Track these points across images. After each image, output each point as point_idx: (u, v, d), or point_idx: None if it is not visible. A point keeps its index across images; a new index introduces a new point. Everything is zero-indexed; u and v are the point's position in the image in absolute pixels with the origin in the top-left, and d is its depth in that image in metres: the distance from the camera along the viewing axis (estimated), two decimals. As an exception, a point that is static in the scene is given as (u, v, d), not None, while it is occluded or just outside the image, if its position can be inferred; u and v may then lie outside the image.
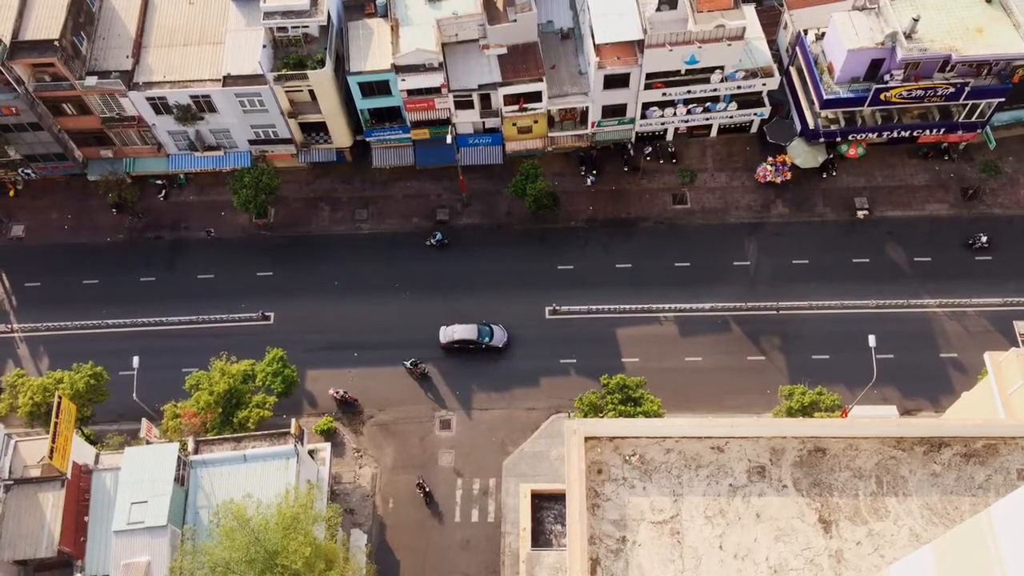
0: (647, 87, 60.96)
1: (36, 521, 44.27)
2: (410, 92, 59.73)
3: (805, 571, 14.52)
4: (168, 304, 61.95)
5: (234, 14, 60.79)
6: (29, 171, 66.38)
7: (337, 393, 57.50)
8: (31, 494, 44.95)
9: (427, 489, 54.83)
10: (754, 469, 15.38)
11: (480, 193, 66.17)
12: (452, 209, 65.89)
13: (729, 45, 58.05)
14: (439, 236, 64.00)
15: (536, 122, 63.69)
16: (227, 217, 65.96)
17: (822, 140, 63.92)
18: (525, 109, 61.59)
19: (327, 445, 53.41)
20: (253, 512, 40.24)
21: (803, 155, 64.44)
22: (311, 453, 50.45)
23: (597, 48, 58.59)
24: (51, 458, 43.63)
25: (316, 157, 66.13)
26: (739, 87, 61.92)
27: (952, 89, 59.12)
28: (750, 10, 61.72)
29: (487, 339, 59.08)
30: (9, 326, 61.99)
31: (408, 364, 58.91)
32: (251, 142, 64.55)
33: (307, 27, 58.69)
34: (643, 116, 63.77)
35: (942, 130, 63.89)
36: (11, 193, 67.42)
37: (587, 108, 62.60)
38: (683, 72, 60.16)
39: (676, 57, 58.57)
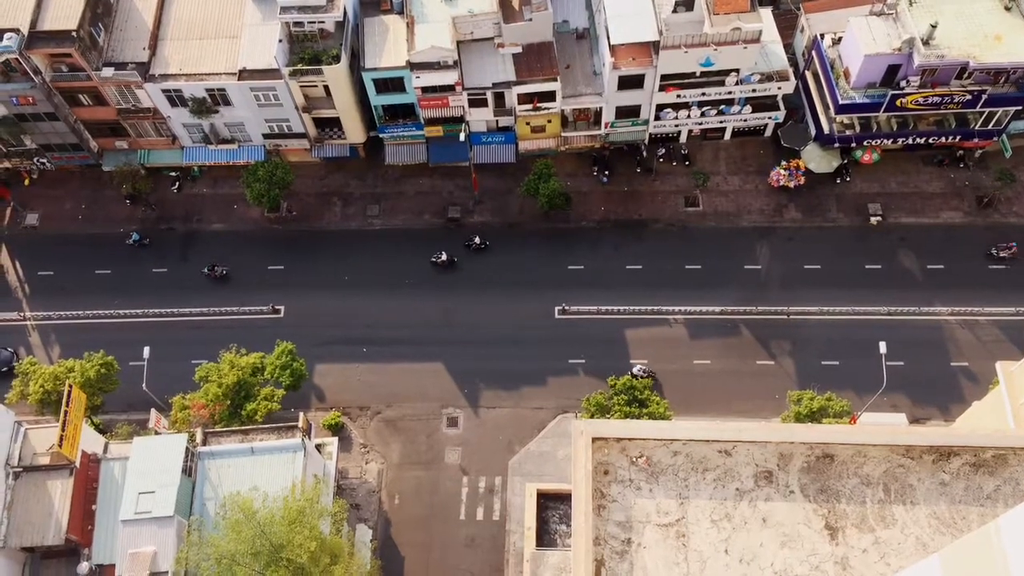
0: (661, 89, 60.83)
1: (44, 509, 44.50)
2: (424, 89, 59.79)
3: (810, 577, 14.46)
4: (179, 295, 62.24)
5: (251, 8, 61.00)
6: (44, 160, 66.79)
7: None
8: (40, 482, 45.18)
9: None
10: (761, 474, 15.34)
11: (492, 192, 66.20)
12: (464, 207, 65.94)
13: (745, 48, 57.88)
14: (136, 236, 64.12)
15: (550, 121, 63.65)
16: (239, 210, 66.21)
17: (837, 145, 63.67)
18: (539, 108, 61.56)
19: (334, 440, 53.61)
20: (259, 505, 40.34)
21: (817, 160, 64.20)
22: (318, 447, 50.60)
23: (612, 48, 58.50)
24: (60, 446, 43.85)
25: (329, 152, 66.29)
26: (754, 90, 61.71)
27: (969, 96, 58.78)
28: (767, 13, 61.58)
29: None
30: (21, 314, 62.40)
31: (206, 269, 62.49)
32: (265, 136, 64.76)
33: (323, 23, 58.83)
34: (657, 118, 63.63)
35: (958, 137, 63.53)
36: (26, 182, 67.86)
37: (601, 108, 62.51)
38: (698, 74, 60.01)
39: (691, 59, 58.43)
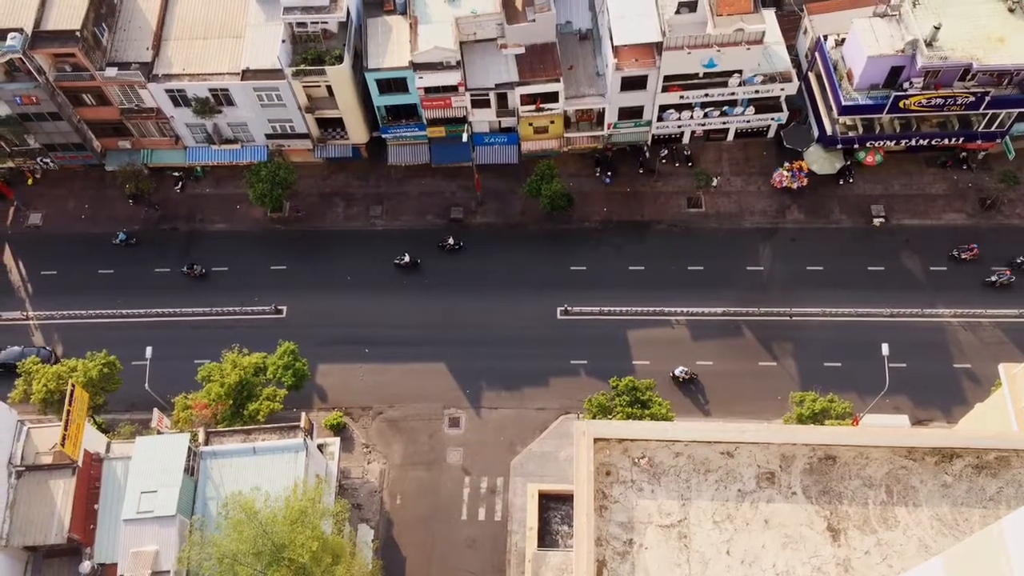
0: (664, 90, 60.83)
1: (47, 508, 44.59)
2: (427, 90, 59.83)
3: (812, 579, 14.45)
4: (182, 295, 62.31)
5: (254, 8, 61.08)
6: (48, 160, 66.92)
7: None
8: (42, 481, 45.26)
9: None
10: (763, 475, 15.32)
11: (495, 192, 66.21)
12: (467, 208, 65.95)
13: (748, 49, 57.86)
14: (123, 236, 64.32)
15: (552, 122, 63.67)
16: (242, 210, 66.25)
17: (839, 147, 63.62)
18: (542, 109, 61.57)
19: (336, 440, 53.64)
20: (261, 505, 40.37)
21: (820, 161, 64.14)
22: (320, 447, 50.62)
23: (615, 49, 58.51)
24: (63, 445, 43.91)
25: (332, 153, 66.35)
26: (757, 91, 61.70)
27: (972, 98, 58.73)
28: (770, 14, 61.53)
29: None
30: (24, 313, 62.48)
31: (185, 268, 62.77)
32: (268, 136, 64.83)
33: (326, 23, 58.87)
34: (660, 118, 63.62)
35: (961, 139, 63.45)
36: (29, 182, 67.97)
37: (604, 109, 62.53)
38: (701, 75, 60.00)
39: (694, 60, 58.43)
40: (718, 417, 56.15)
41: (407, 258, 62.67)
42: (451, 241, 63.42)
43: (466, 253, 63.76)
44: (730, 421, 55.42)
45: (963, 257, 61.46)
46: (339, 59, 58.66)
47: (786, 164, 64.94)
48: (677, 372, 57.57)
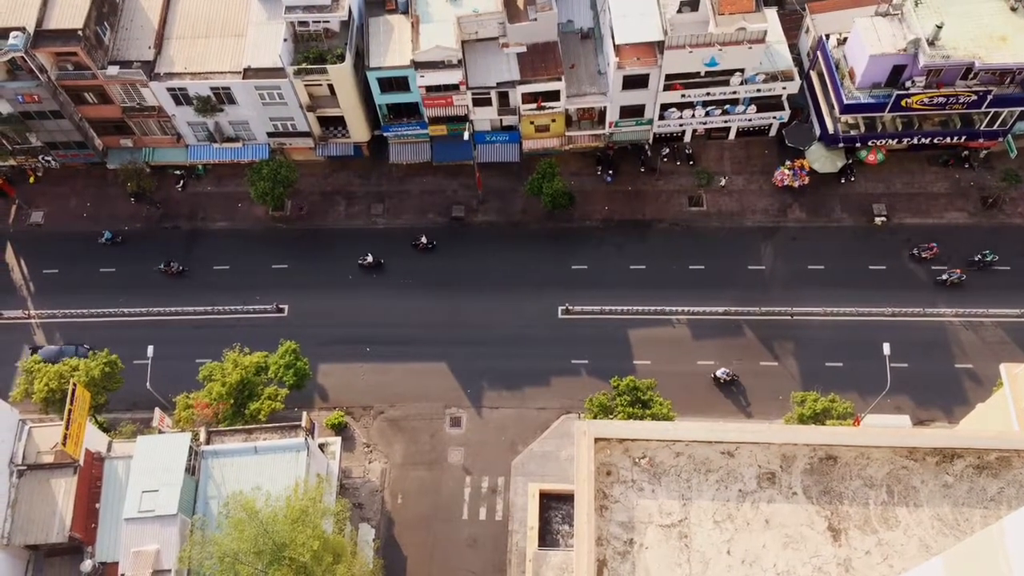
0: (666, 88, 60.79)
1: (48, 507, 44.63)
2: (429, 89, 59.82)
3: (813, 579, 14.43)
4: (183, 294, 62.32)
5: (256, 7, 61.08)
6: (50, 158, 66.96)
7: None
8: (44, 480, 45.30)
9: None
10: (764, 475, 15.31)
11: (496, 191, 66.19)
12: (468, 206, 65.95)
13: (750, 48, 57.82)
14: (108, 235, 64.41)
15: (554, 121, 63.64)
16: (244, 208, 66.25)
17: (841, 145, 63.55)
18: (543, 108, 61.55)
19: (337, 439, 53.66)
20: (262, 504, 40.38)
21: (821, 160, 64.09)
22: (321, 447, 50.64)
23: (617, 48, 58.47)
24: (64, 445, 43.94)
25: (333, 151, 66.38)
26: (759, 90, 61.64)
27: (974, 97, 58.66)
28: (772, 13, 61.48)
29: None
30: (26, 312, 62.52)
31: (162, 266, 62.85)
32: (269, 135, 64.84)
33: (328, 22, 58.89)
34: (661, 117, 63.57)
35: (963, 137, 63.39)
36: (31, 180, 68.02)
37: (605, 108, 62.49)
38: (703, 74, 59.96)
39: (696, 59, 58.39)
40: (719, 417, 56.08)
41: (370, 258, 62.60)
42: (423, 240, 63.39)
43: (437, 252, 63.60)
44: (731, 421, 55.41)
45: (923, 256, 61.49)
46: (341, 58, 58.67)
47: (788, 163, 64.89)
48: (719, 373, 57.34)
